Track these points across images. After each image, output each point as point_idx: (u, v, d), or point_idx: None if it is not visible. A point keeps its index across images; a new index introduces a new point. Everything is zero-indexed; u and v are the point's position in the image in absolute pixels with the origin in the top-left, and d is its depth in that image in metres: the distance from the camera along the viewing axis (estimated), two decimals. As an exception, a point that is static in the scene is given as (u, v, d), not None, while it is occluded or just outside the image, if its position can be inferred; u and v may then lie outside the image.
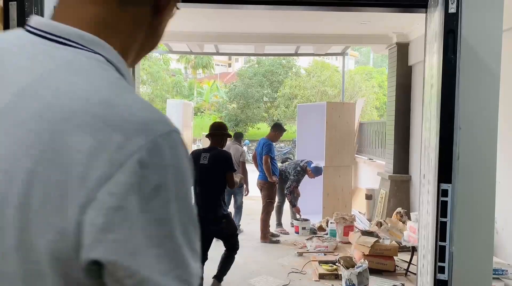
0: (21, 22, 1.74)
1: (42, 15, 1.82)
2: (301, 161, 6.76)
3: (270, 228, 6.21)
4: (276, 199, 6.51)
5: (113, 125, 0.51)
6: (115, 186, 0.49)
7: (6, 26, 1.75)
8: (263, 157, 6.17)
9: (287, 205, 6.85)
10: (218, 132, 4.05)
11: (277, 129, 6.54)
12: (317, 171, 6.62)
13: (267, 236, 6.09)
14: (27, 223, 0.50)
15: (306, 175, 6.70)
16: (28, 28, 0.60)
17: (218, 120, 26.02)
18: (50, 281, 0.51)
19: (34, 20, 0.60)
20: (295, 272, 4.82)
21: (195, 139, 16.24)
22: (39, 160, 0.50)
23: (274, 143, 6.52)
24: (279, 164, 6.77)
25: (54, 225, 0.49)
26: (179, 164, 0.53)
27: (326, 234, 6.31)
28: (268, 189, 6.19)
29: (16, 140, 0.52)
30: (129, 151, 0.50)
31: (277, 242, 6.08)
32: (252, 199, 7.66)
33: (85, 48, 0.58)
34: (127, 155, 0.50)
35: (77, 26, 0.58)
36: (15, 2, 1.73)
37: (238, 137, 7.20)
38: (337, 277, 4.54)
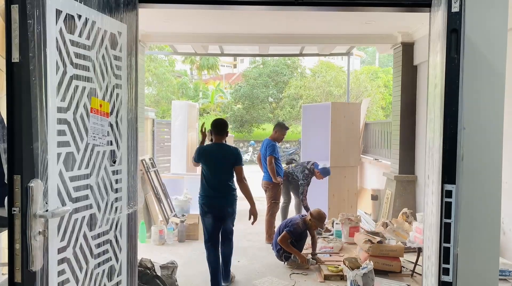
0: (23, 25, 1.75)
1: (44, 17, 1.82)
2: (307, 163, 6.69)
3: (275, 229, 6.19)
4: (281, 199, 6.50)
5: None
6: None
7: (8, 29, 1.76)
8: (267, 158, 6.16)
9: (292, 206, 6.84)
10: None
11: (279, 128, 6.51)
12: (325, 172, 6.58)
13: (272, 237, 6.08)
14: None
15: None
16: None
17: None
18: None
19: None
20: (300, 273, 4.80)
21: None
22: None
23: (279, 144, 6.50)
24: (284, 166, 6.74)
25: None
26: None
27: (332, 235, 6.29)
28: (273, 190, 6.18)
29: None
30: None
31: (282, 243, 6.05)
32: (257, 200, 7.60)
33: None
34: None
35: None
36: (17, 5, 1.74)
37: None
38: (342, 278, 4.53)
